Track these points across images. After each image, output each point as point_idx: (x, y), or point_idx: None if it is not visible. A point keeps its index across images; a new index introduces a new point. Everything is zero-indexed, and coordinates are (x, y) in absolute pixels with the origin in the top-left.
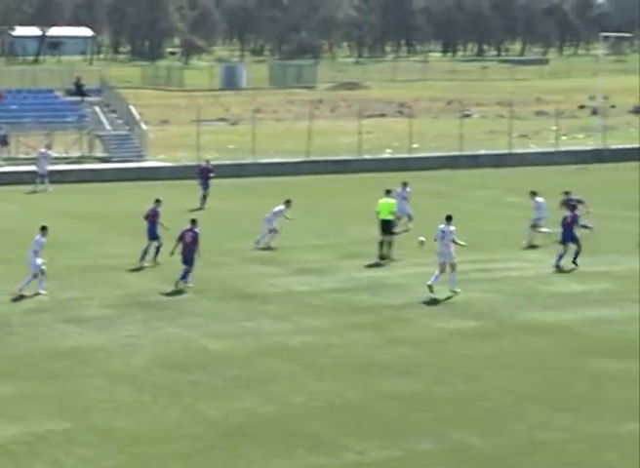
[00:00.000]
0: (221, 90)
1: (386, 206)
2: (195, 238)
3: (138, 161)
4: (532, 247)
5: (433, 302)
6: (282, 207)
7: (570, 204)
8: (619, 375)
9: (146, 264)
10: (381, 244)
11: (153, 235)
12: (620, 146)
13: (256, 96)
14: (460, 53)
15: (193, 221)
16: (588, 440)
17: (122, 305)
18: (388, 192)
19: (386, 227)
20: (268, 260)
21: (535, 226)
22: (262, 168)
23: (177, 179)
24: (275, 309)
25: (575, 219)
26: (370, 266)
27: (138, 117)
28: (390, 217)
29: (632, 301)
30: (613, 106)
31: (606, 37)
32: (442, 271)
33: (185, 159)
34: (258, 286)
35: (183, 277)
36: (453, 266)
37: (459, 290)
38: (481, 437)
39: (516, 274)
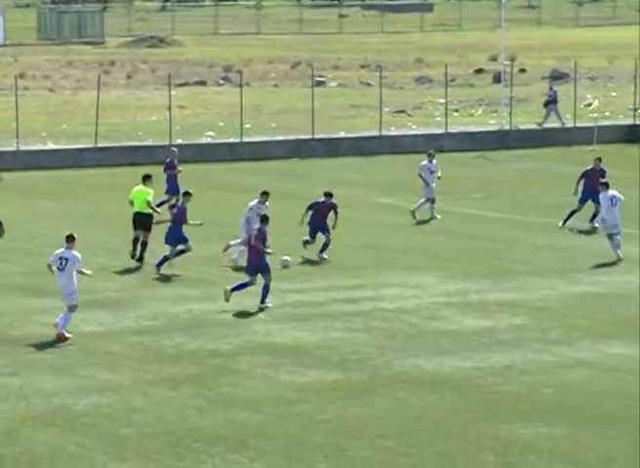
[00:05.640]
0: None
1: (140, 194)
2: (258, 236)
3: None
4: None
5: (278, 347)
6: (256, 201)
7: None
8: (538, 446)
9: (177, 272)
10: (135, 241)
11: (180, 237)
12: (533, 127)
13: (18, 55)
14: None
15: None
16: None
17: None
18: (147, 177)
19: (140, 221)
20: (39, 289)
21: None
22: (30, 158)
23: None
24: (52, 359)
25: None
26: (188, 298)
27: None
28: (145, 210)
29: (554, 342)
30: (522, 70)
31: None
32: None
33: None
34: (25, 326)
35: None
36: (618, 235)
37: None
38: None
39: (393, 306)
